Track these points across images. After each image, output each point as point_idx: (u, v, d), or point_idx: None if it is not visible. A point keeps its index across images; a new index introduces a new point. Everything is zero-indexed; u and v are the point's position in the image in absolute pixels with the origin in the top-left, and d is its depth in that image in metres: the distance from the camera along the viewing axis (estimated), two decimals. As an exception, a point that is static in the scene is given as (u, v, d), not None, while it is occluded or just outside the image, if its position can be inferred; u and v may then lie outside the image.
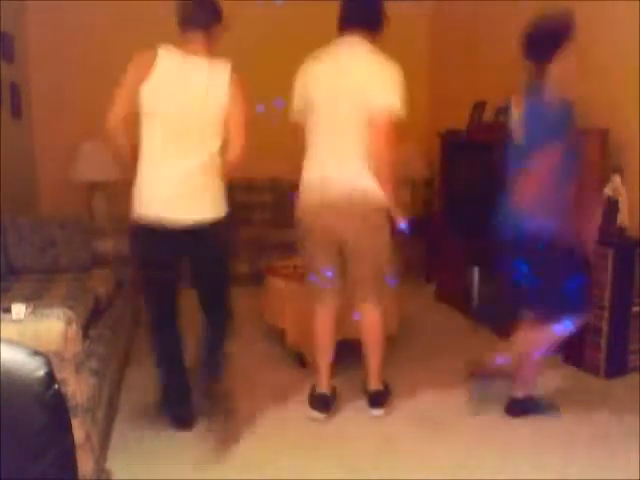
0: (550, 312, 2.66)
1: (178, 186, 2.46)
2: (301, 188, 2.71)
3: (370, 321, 2.81)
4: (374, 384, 2.86)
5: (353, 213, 2.61)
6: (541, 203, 2.52)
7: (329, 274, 2.74)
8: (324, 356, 2.83)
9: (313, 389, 2.88)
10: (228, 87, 2.48)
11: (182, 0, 2.50)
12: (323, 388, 2.83)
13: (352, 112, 2.57)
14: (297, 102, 2.72)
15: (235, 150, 2.54)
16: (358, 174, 2.59)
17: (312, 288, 2.81)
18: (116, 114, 2.42)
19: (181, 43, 2.49)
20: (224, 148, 2.55)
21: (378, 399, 2.84)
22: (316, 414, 2.78)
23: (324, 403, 2.80)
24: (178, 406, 2.66)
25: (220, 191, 2.57)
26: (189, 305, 2.74)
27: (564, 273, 2.60)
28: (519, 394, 2.81)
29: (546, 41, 2.59)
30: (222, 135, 2.53)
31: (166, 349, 2.65)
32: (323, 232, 2.68)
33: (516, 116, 2.63)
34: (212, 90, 2.47)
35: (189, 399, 2.68)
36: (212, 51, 2.52)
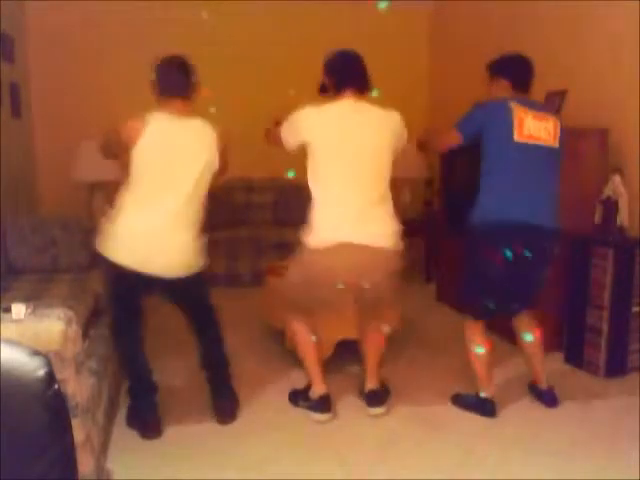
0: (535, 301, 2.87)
1: (164, 241, 2.54)
2: (319, 236, 2.59)
3: (373, 333, 2.89)
4: (371, 383, 2.87)
5: (381, 263, 2.64)
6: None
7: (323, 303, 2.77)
8: (317, 359, 2.84)
9: (308, 393, 2.86)
10: (216, 148, 2.61)
11: (163, 70, 2.58)
12: (322, 390, 2.82)
13: (375, 162, 2.63)
14: (291, 139, 2.67)
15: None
16: (385, 222, 2.64)
17: (296, 308, 2.81)
18: None
19: (162, 106, 2.57)
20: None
21: (375, 398, 2.84)
22: (323, 416, 2.77)
23: (327, 403, 2.80)
24: (144, 411, 2.65)
25: (202, 243, 2.66)
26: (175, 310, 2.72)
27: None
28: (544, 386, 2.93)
29: (532, 73, 2.80)
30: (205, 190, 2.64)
31: (128, 349, 2.67)
32: (343, 278, 2.63)
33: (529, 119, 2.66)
34: (202, 150, 2.59)
35: (155, 404, 2.67)
36: (190, 112, 2.61)
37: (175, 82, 2.57)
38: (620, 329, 3.19)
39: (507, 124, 2.64)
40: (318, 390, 2.82)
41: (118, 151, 2.58)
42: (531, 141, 2.66)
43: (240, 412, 2.80)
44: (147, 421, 2.63)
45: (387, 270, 2.69)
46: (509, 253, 2.60)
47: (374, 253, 2.60)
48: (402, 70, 5.10)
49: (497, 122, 2.68)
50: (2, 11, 4.00)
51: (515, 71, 2.82)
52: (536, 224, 2.64)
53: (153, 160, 2.52)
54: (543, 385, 2.91)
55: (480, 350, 2.78)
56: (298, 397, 2.91)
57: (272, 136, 2.81)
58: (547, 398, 2.89)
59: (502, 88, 2.80)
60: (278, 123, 2.74)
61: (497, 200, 2.68)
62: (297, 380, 3.08)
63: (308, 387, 2.89)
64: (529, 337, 2.87)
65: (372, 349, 2.89)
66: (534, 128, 2.67)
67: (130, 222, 2.52)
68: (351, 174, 2.60)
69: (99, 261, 2.66)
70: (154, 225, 2.51)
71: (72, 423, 1.09)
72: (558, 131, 2.72)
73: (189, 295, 2.72)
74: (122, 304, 2.65)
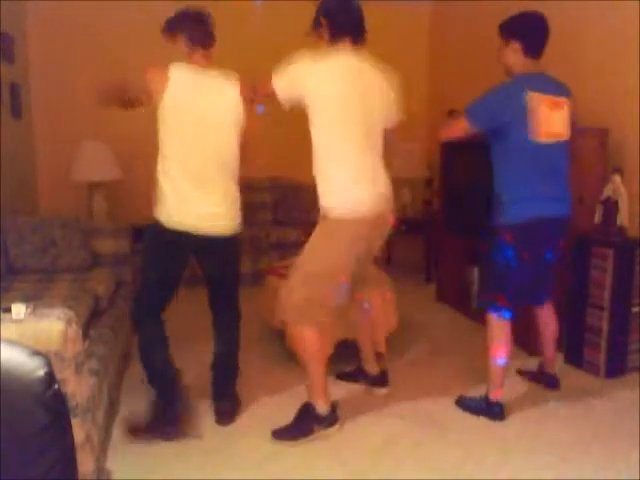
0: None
1: (205, 200, 2.58)
2: (340, 198, 2.51)
3: (360, 318, 2.93)
4: (372, 368, 2.99)
5: (387, 220, 2.65)
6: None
7: (346, 287, 2.59)
8: (324, 372, 2.63)
9: (312, 409, 2.62)
10: (240, 100, 2.59)
11: (188, 21, 2.57)
12: (328, 404, 2.64)
13: (378, 120, 2.58)
14: (288, 93, 2.52)
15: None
16: (388, 185, 2.63)
17: (314, 309, 2.53)
18: None
19: (187, 58, 2.57)
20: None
21: (379, 379, 2.98)
22: (333, 429, 2.63)
23: (336, 412, 2.67)
24: (168, 412, 2.61)
25: (239, 202, 2.73)
26: (191, 310, 2.73)
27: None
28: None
29: (546, 36, 2.67)
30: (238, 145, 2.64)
31: (151, 347, 2.64)
32: (367, 241, 2.58)
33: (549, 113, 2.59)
34: (228, 101, 2.57)
35: (178, 405, 2.63)
36: (212, 64, 2.61)
37: (201, 33, 2.56)
38: (620, 329, 3.19)
39: (526, 120, 2.55)
40: (323, 407, 2.62)
41: (141, 98, 2.52)
42: (550, 139, 2.60)
43: (240, 411, 2.80)
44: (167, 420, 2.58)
45: (387, 233, 2.70)
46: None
47: (384, 217, 2.61)
48: (402, 70, 5.09)
49: (516, 118, 2.55)
50: (2, 11, 4.00)
51: (530, 33, 2.64)
52: (555, 215, 2.69)
53: (182, 114, 2.49)
54: (551, 370, 3.03)
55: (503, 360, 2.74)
56: (310, 421, 2.63)
57: (260, 91, 2.63)
58: (550, 380, 3.01)
59: (513, 52, 2.64)
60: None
61: (520, 200, 2.66)
62: (296, 380, 3.08)
63: (313, 405, 2.63)
64: (552, 326, 2.96)
65: (362, 334, 2.95)
66: (553, 122, 2.59)
67: (173, 184, 2.51)
68: (363, 135, 2.52)
69: (146, 230, 2.63)
70: (197, 184, 2.53)
71: (72, 423, 1.09)
72: (570, 117, 2.67)
73: (220, 262, 2.70)
74: (158, 287, 2.62)
